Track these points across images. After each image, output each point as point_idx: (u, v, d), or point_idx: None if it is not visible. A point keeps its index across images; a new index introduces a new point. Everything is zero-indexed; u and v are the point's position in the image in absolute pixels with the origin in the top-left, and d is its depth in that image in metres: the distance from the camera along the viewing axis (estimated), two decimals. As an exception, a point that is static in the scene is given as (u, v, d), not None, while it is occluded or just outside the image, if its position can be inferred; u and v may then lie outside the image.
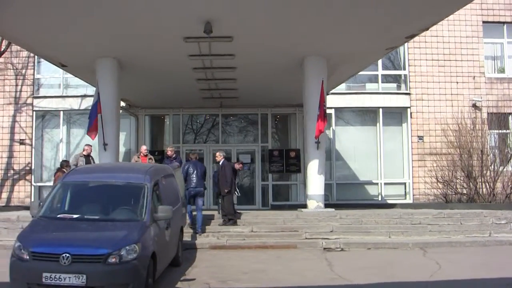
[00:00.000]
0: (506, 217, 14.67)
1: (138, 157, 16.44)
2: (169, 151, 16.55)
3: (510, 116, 22.05)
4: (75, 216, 8.75)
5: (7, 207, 20.59)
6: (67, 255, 7.52)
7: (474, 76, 22.35)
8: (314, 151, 16.73)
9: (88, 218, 8.74)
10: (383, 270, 10.61)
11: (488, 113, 21.99)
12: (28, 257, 7.68)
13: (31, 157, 22.21)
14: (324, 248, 13.04)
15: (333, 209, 16.40)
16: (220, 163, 14.92)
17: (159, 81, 18.88)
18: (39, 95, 22.62)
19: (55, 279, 7.46)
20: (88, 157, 15.63)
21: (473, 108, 22.06)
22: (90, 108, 21.55)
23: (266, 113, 22.72)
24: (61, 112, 22.45)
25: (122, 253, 7.70)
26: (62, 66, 17.69)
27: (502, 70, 22.99)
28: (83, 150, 15.65)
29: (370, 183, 22.30)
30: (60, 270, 7.47)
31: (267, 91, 20.51)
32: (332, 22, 13.81)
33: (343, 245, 13.13)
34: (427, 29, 15.71)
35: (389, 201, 21.64)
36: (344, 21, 13.78)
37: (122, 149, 22.42)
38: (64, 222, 8.61)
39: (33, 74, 22.56)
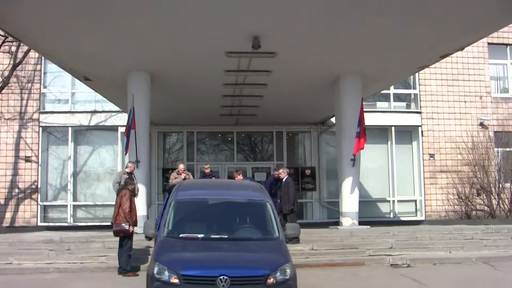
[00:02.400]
0: (554, 232, 14.94)
1: (178, 174, 16.01)
2: (207, 169, 16.34)
3: (516, 134, 22.68)
4: (200, 235, 8.32)
5: (13, 228, 19.64)
6: (225, 277, 7.06)
7: (481, 96, 22.95)
8: (349, 169, 16.71)
9: (218, 237, 8.33)
10: (475, 285, 10.61)
11: (494, 132, 22.60)
12: (178, 281, 7.17)
13: (37, 175, 21.26)
14: (391, 265, 12.92)
15: (368, 226, 16.44)
16: (284, 180, 14.67)
17: (182, 96, 18.50)
18: (46, 110, 21.76)
19: None
20: (131, 175, 15.07)
21: (480, 127, 22.60)
22: (100, 124, 21.39)
23: (281, 131, 22.72)
24: (70, 128, 21.66)
25: (277, 274, 7.34)
26: (85, 79, 17.09)
27: (505, 90, 23.69)
28: (126, 167, 15.02)
29: (383, 200, 22.44)
30: None
31: (288, 109, 20.45)
32: (372, 42, 13.85)
33: (409, 261, 13.02)
34: (462, 49, 16.06)
35: (402, 218, 21.83)
36: (385, 42, 13.85)
37: (132, 167, 21.87)
38: (199, 242, 8.11)
39: (40, 89, 21.69)
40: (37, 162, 21.31)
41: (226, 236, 8.38)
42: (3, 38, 17.92)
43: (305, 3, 11.54)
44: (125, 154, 15.64)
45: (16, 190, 21.08)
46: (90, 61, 15.23)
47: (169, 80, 16.74)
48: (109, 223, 20.36)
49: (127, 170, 15.07)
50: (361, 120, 16.10)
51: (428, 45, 14.43)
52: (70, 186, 21.48)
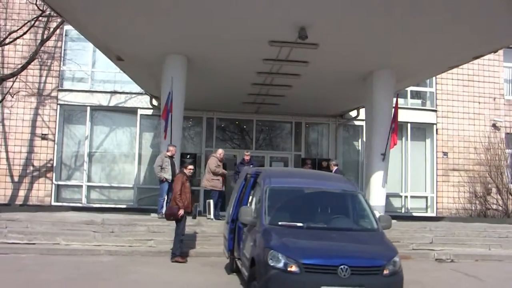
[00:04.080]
0: None
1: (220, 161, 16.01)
2: (247, 156, 16.41)
3: (526, 137, 23.14)
4: (300, 224, 8.37)
5: (27, 207, 19.28)
6: (346, 266, 7.18)
7: (495, 98, 23.36)
8: (379, 163, 16.83)
9: (321, 227, 8.42)
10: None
11: (506, 133, 23.07)
12: (298, 270, 7.22)
13: (53, 153, 20.87)
14: (436, 259, 13.31)
15: (395, 221, 16.54)
16: (333, 171, 14.85)
17: (212, 82, 18.28)
18: (65, 88, 21.32)
19: None
20: (172, 158, 14.97)
21: (492, 128, 23.02)
22: (119, 105, 21.13)
23: (300, 121, 22.76)
24: (88, 108, 21.27)
25: (390, 265, 7.52)
26: (117, 59, 16.80)
27: (517, 93, 24.20)
28: (168, 151, 14.94)
29: (396, 195, 22.67)
30: (339, 283, 7.13)
31: (311, 101, 20.44)
32: (411, 40, 13.98)
33: (452, 256, 13.41)
34: (496, 51, 16.33)
35: (414, 214, 22.13)
36: (424, 40, 13.98)
37: (148, 152, 21.67)
38: (306, 231, 8.20)
39: (59, 66, 21.23)
40: (54, 140, 20.91)
41: (327, 226, 8.49)
42: (40, 11, 17.47)
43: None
44: (164, 139, 15.38)
45: (31, 168, 20.68)
46: (129, 41, 14.95)
47: (203, 65, 16.53)
48: (124, 206, 20.52)
49: (169, 153, 14.98)
50: (395, 115, 16.29)
51: (464, 46, 14.62)
52: (85, 166, 21.16)
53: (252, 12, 12.53)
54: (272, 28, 13.58)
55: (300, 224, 8.34)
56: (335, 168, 15.27)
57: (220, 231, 13.76)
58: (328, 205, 9.07)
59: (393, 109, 16.43)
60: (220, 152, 16.27)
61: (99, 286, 9.37)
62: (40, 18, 18.78)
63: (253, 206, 9.27)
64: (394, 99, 16.85)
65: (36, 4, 16.89)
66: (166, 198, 14.85)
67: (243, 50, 15.22)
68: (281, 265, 7.28)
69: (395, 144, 16.37)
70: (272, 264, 7.33)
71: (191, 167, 12.33)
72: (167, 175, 14.72)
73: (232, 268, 10.66)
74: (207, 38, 14.53)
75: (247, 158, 16.48)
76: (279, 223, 8.26)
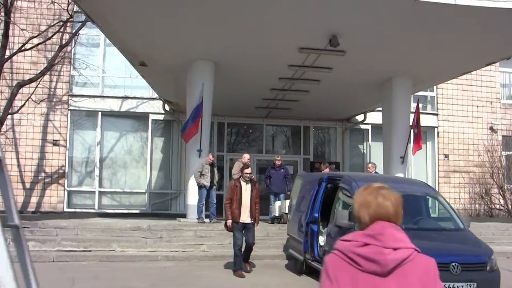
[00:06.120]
0: None
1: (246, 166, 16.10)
2: (278, 161, 16.61)
3: (521, 139, 24.09)
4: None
5: (40, 214, 19.02)
6: (456, 264, 7.64)
7: (491, 102, 24.23)
8: (398, 166, 17.40)
9: (416, 227, 8.82)
10: None
11: (502, 136, 23.97)
12: None
13: (65, 159, 20.65)
14: (471, 257, 13.82)
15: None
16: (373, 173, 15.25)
17: (232, 86, 18.27)
18: (75, 93, 21.11)
19: None
20: (212, 166, 15.14)
21: (489, 131, 23.90)
22: (131, 110, 21.08)
23: (308, 125, 23.06)
24: (99, 113, 21.13)
25: (490, 262, 8.02)
26: (140, 65, 16.81)
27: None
28: (208, 158, 15.11)
29: (400, 197, 23.20)
30: (451, 279, 7.57)
31: (322, 105, 20.81)
32: (431, 50, 14.60)
33: (486, 254, 13.95)
34: (508, 58, 17.03)
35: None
36: (444, 51, 14.65)
37: (159, 157, 21.68)
38: (408, 232, 8.54)
39: (70, 71, 21.02)
40: (65, 146, 20.69)
41: (420, 227, 8.92)
42: (68, 16, 17.30)
43: (387, 11, 12.32)
44: (186, 142, 15.66)
45: (43, 174, 20.40)
46: (159, 47, 15.10)
47: (228, 71, 16.67)
48: (137, 211, 20.48)
49: (209, 160, 15.14)
50: (418, 122, 16.81)
51: (480, 55, 15.38)
52: (97, 172, 21.02)
53: (286, 20, 12.87)
54: (303, 35, 13.93)
55: (396, 226, 8.73)
56: (374, 170, 15.73)
57: (264, 235, 14.10)
58: (414, 207, 9.51)
59: (415, 115, 16.98)
60: (244, 156, 16.38)
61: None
62: (55, 22, 18.60)
63: (339, 210, 9.55)
64: (415, 104, 17.49)
65: (67, 10, 16.72)
66: (204, 204, 15.12)
67: (271, 56, 15.46)
68: None
69: (420, 148, 16.96)
70: None
71: (247, 171, 11.11)
72: (206, 182, 14.89)
73: (301, 270, 10.94)
74: (238, 44, 14.77)
75: (278, 163, 16.73)
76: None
